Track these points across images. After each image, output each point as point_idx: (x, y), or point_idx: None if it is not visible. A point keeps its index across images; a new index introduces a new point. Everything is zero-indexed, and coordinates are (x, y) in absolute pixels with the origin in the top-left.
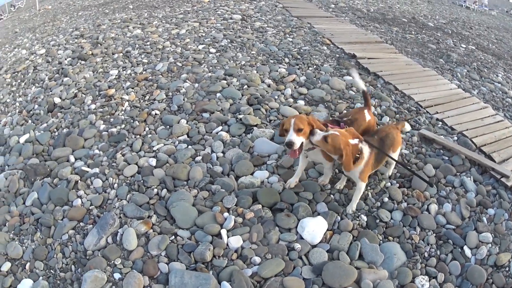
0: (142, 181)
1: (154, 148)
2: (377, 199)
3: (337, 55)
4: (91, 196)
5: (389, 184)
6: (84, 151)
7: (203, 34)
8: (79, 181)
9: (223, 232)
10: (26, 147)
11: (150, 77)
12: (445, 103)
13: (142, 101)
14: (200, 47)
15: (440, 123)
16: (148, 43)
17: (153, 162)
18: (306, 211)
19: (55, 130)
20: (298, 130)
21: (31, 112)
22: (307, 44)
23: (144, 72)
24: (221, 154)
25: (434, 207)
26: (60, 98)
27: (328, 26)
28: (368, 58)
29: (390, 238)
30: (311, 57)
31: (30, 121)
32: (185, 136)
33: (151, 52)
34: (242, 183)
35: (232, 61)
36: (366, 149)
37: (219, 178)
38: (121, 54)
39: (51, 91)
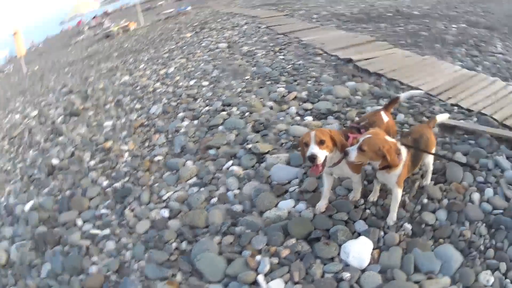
0: (157, 236)
1: (164, 198)
2: (416, 203)
3: (334, 63)
4: (106, 260)
5: (424, 183)
6: (91, 212)
7: (192, 69)
8: (90, 245)
9: (260, 278)
10: (32, 215)
11: (146, 122)
12: (455, 86)
13: (142, 148)
14: (192, 82)
15: (456, 107)
16: (138, 87)
17: (165, 213)
18: (346, 234)
19: (58, 193)
20: (320, 143)
21: (32, 177)
22: (300, 58)
23: (139, 118)
24: (238, 191)
25: (476, 196)
26: (58, 158)
27: (316, 36)
28: (365, 59)
29: (441, 240)
30: (307, 71)
31: (32, 186)
32: (195, 178)
33: (142, 96)
34: (268, 218)
35: (227, 90)
36: (403, 150)
37: (242, 218)
38: (113, 103)
39: (48, 153)
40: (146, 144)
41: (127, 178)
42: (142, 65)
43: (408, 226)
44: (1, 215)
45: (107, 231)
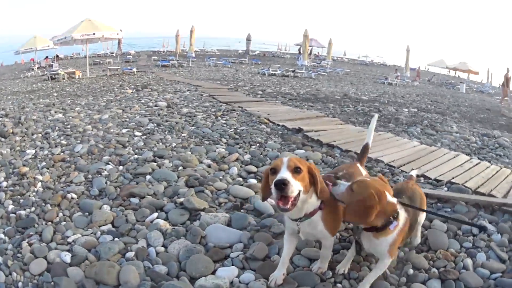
0: (52, 283)
1: (69, 239)
2: (400, 274)
3: (280, 132)
4: None
5: (402, 253)
6: None
7: (127, 120)
8: None
9: None
10: None
11: (68, 159)
12: (417, 159)
13: (57, 182)
14: (124, 130)
15: (422, 178)
16: (69, 126)
17: (67, 257)
18: None
19: None
20: (295, 171)
21: None
22: (243, 125)
23: (62, 154)
24: (162, 249)
25: (469, 262)
26: None
27: (261, 108)
28: (316, 131)
29: None
30: (251, 136)
31: None
32: (110, 225)
33: (71, 134)
34: (202, 286)
35: (161, 143)
36: (402, 213)
37: (166, 282)
38: (40, 135)
39: None
40: (63, 179)
41: (33, 209)
42: (78, 108)
43: None
44: None
45: None
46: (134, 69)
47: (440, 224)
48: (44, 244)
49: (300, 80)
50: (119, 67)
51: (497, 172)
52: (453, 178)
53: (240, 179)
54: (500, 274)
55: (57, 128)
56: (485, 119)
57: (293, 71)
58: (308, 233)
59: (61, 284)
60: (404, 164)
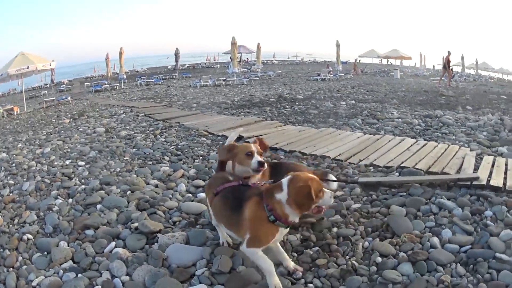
0: None
1: (33, 283)
2: (369, 264)
3: (221, 142)
4: None
5: (366, 243)
6: None
7: (69, 150)
8: None
9: None
10: None
11: (18, 198)
12: (362, 150)
13: (11, 225)
14: (67, 162)
15: (371, 167)
16: (14, 164)
17: None
18: None
19: None
20: (260, 154)
21: None
22: (183, 140)
23: (11, 194)
24: (127, 277)
25: (435, 240)
26: None
27: (198, 120)
28: (256, 136)
29: None
30: (192, 150)
31: None
32: (70, 262)
33: (16, 173)
34: None
35: (105, 170)
36: None
37: None
38: None
39: None
40: (16, 220)
41: None
42: (20, 144)
43: None
44: None
45: None
46: (69, 98)
47: (399, 209)
48: None
49: (233, 87)
50: (54, 98)
51: (445, 150)
52: (402, 162)
53: (190, 195)
54: (470, 246)
55: (2, 168)
56: (424, 101)
57: (224, 80)
58: None
59: None
60: (351, 156)
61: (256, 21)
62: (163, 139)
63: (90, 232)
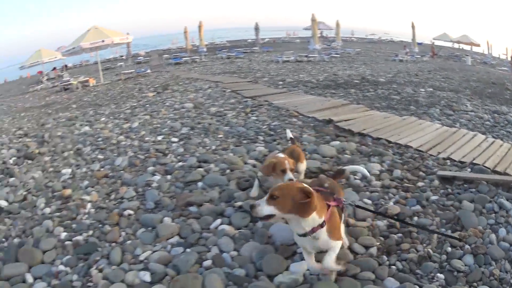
0: None
1: (141, 258)
2: (441, 252)
3: (312, 124)
4: None
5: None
6: (45, 268)
7: (158, 126)
8: None
9: None
10: None
11: (111, 174)
12: (441, 142)
13: (107, 200)
14: (159, 137)
15: (448, 161)
16: (100, 139)
17: (146, 276)
18: None
19: (4, 240)
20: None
21: None
22: (275, 120)
23: (102, 169)
24: (235, 253)
25: (493, 237)
26: (7, 201)
27: (286, 100)
28: (345, 120)
29: (475, 284)
30: (285, 131)
31: None
32: (177, 237)
33: (105, 147)
34: (282, 283)
35: (201, 147)
36: None
37: (251, 284)
38: (72, 152)
39: None
40: (112, 196)
41: (91, 232)
42: (103, 118)
43: (441, 276)
44: None
45: None
46: (149, 70)
47: (468, 204)
48: (115, 266)
49: (315, 64)
50: (133, 70)
51: (509, 149)
52: (474, 159)
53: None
54: None
55: (88, 142)
56: (493, 94)
57: (306, 56)
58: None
59: None
60: (431, 148)
61: None
62: (255, 118)
63: (193, 209)
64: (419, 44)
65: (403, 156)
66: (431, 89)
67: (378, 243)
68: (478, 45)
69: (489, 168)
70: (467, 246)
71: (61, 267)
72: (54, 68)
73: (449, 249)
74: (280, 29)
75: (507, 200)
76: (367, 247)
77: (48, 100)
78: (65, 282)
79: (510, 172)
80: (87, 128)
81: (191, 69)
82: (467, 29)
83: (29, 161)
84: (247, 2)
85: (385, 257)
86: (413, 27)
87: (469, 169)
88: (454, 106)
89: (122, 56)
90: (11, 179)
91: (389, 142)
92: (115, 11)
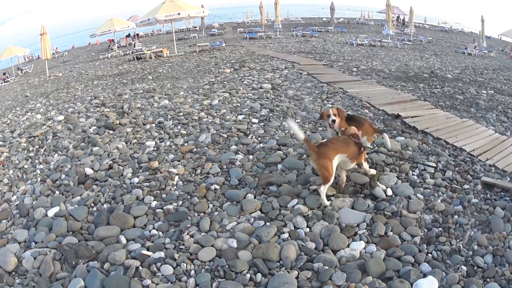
0: (227, 266)
1: (228, 228)
2: (469, 248)
3: (381, 117)
4: (162, 285)
5: (472, 232)
6: (138, 231)
7: (238, 105)
8: (141, 267)
9: None
10: (58, 223)
11: (195, 149)
12: (491, 149)
13: (194, 175)
14: (240, 117)
15: (493, 168)
16: (181, 113)
17: (233, 243)
18: (416, 274)
19: (93, 204)
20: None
21: (57, 182)
22: (348, 109)
23: (186, 144)
24: (308, 229)
25: None
26: (92, 169)
27: (360, 89)
28: (412, 117)
29: (488, 280)
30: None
31: (57, 192)
32: (258, 212)
33: (187, 123)
34: (343, 257)
35: (280, 131)
36: None
37: (317, 255)
38: (154, 124)
39: (79, 161)
40: (198, 171)
41: (180, 202)
42: (182, 92)
43: (464, 268)
44: (12, 214)
45: (161, 254)
46: (224, 44)
47: (500, 211)
48: (204, 233)
49: (388, 50)
50: (208, 43)
51: None
52: None
53: (356, 166)
54: None
55: (169, 116)
56: None
57: (379, 41)
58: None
59: (236, 265)
60: (481, 154)
61: None
62: (330, 105)
63: (273, 188)
64: (488, 37)
65: (457, 158)
66: (492, 92)
67: (421, 233)
68: None
69: None
70: (490, 247)
71: (154, 232)
72: (127, 36)
73: (476, 247)
74: (356, 9)
75: None
76: (413, 236)
77: (121, 69)
78: (158, 244)
79: None
80: (166, 101)
81: (266, 45)
82: None
83: (111, 131)
84: None
85: (425, 246)
86: (482, 21)
87: (508, 179)
88: (509, 113)
89: (195, 27)
90: (95, 148)
91: (447, 143)
92: None
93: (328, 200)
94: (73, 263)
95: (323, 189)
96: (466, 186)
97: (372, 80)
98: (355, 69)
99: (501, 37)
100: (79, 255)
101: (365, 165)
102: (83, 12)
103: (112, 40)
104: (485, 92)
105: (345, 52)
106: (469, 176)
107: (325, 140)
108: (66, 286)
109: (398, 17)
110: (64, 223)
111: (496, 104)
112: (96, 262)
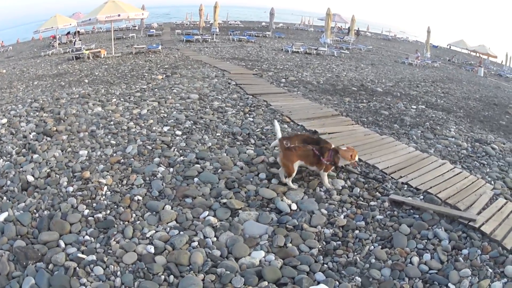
0: (146, 268)
1: (147, 235)
2: (366, 262)
3: (299, 132)
4: (95, 284)
5: (372, 247)
6: (73, 237)
7: (165, 115)
8: (78, 268)
9: None
10: (8, 227)
11: (123, 160)
12: (406, 167)
13: (120, 185)
14: (165, 128)
15: (406, 186)
16: (112, 122)
17: (151, 249)
18: (309, 282)
19: (35, 211)
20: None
21: (4, 188)
22: (268, 123)
23: (115, 155)
24: (215, 239)
25: (416, 259)
26: (33, 176)
27: (284, 103)
28: (329, 133)
29: None
30: (275, 136)
31: (5, 197)
32: (174, 222)
33: (117, 133)
34: (243, 264)
35: (200, 144)
36: None
37: (221, 262)
38: (87, 133)
39: (21, 167)
40: (124, 182)
41: (108, 211)
42: (114, 99)
43: (358, 279)
44: None
45: (93, 257)
46: (160, 47)
47: (405, 228)
48: (128, 240)
49: (323, 59)
50: (144, 46)
51: (472, 183)
52: (430, 188)
53: (266, 181)
54: (436, 271)
55: (101, 125)
56: (487, 118)
57: (315, 49)
58: None
59: (153, 268)
60: (395, 171)
61: None
62: (251, 119)
63: (189, 200)
64: (435, 47)
65: (368, 175)
66: (423, 107)
67: (319, 246)
68: (495, 57)
69: (440, 199)
70: (389, 261)
71: (87, 237)
72: (67, 33)
73: (373, 260)
74: (297, 14)
75: (446, 230)
76: (311, 248)
77: (60, 69)
78: (91, 248)
79: (461, 206)
80: (99, 108)
81: (201, 49)
82: (486, 39)
83: (48, 138)
84: None
85: (321, 257)
86: (428, 31)
87: (421, 197)
88: (437, 130)
89: (134, 27)
90: (35, 156)
91: (360, 160)
92: None
93: (235, 214)
94: (24, 264)
95: (288, 180)
96: (372, 203)
97: (299, 92)
98: (283, 80)
99: (450, 47)
100: (28, 257)
101: (322, 175)
102: (32, 3)
103: (55, 36)
104: (414, 107)
105: (278, 60)
106: (377, 193)
107: (293, 145)
108: (21, 284)
109: (335, 25)
110: (13, 227)
111: (424, 120)
112: (42, 263)
